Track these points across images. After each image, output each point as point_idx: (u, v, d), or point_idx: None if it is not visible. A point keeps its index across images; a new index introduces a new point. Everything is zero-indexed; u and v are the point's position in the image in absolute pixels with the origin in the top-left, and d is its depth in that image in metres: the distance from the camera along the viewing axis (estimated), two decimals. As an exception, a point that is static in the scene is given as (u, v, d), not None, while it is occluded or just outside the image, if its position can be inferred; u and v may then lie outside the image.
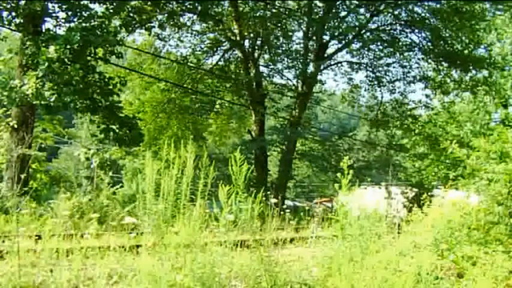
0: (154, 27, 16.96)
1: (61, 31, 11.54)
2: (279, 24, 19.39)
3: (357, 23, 18.71)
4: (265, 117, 20.36)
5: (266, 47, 20.20)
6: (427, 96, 21.31)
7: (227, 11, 18.97)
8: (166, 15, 17.17)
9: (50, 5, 11.71)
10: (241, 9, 18.63)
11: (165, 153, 3.47)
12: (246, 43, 19.48)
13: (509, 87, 21.09)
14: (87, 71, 11.88)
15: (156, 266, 3.23)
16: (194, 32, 20.00)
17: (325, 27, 18.44)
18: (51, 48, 10.45)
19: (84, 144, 20.82)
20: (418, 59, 20.26)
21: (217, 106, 22.16)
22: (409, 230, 5.59)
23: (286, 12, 19.41)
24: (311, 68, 18.51)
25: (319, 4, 19.19)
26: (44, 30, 11.58)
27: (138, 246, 4.52)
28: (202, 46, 20.87)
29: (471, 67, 18.70)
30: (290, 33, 20.06)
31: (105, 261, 4.24)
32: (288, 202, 20.83)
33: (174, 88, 20.18)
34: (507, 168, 5.23)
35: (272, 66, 21.23)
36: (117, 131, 12.82)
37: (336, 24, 18.49)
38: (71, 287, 3.63)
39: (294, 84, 20.53)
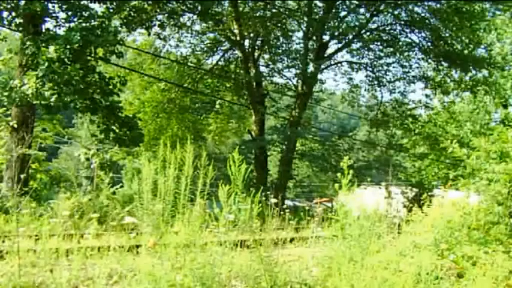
0: (154, 25, 16.99)
1: (61, 31, 11.57)
2: (279, 24, 19.39)
3: (357, 23, 18.73)
4: (265, 117, 20.37)
5: (266, 47, 20.20)
6: (427, 96, 21.37)
7: (227, 11, 18.97)
8: (166, 15, 17.17)
9: (50, 5, 11.72)
10: (241, 9, 18.63)
11: (161, 153, 3.46)
12: (246, 43, 19.50)
13: (509, 87, 21.09)
14: (87, 71, 11.87)
15: (156, 266, 3.23)
16: (194, 32, 20.01)
17: (325, 27, 18.44)
18: (51, 48, 10.45)
19: (84, 144, 20.83)
20: (418, 59, 20.30)
21: (217, 106, 22.17)
22: (409, 230, 5.59)
23: (286, 12, 19.42)
24: (311, 68, 18.52)
25: (319, 4, 19.21)
26: (44, 30, 11.58)
27: (138, 246, 4.52)
28: (202, 46, 20.90)
29: (471, 67, 18.70)
30: (290, 33, 20.09)
31: (105, 261, 4.24)
32: (288, 202, 20.82)
33: (174, 88, 20.20)
34: (507, 168, 5.22)
35: (272, 66, 21.27)
36: (117, 131, 12.82)
37: (336, 24, 18.50)
38: (70, 287, 3.63)
39: (294, 84, 20.55)
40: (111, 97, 12.51)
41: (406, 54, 19.91)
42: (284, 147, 19.96)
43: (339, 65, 21.18)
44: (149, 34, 17.91)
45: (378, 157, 25.08)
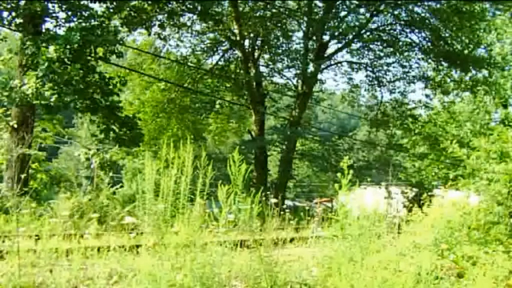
0: (154, 25, 17.00)
1: (61, 31, 11.57)
2: (279, 24, 19.39)
3: (357, 23, 18.72)
4: (265, 117, 20.37)
5: (266, 47, 20.20)
6: (427, 96, 21.35)
7: (227, 11, 18.97)
8: (166, 15, 17.17)
9: (50, 5, 11.72)
10: (241, 9, 18.63)
11: (164, 153, 3.46)
12: (246, 43, 19.50)
13: (509, 87, 21.08)
14: (87, 71, 11.87)
15: (156, 266, 3.23)
16: (194, 32, 20.01)
17: (325, 27, 18.44)
18: (51, 48, 10.45)
19: (84, 144, 20.83)
20: (418, 59, 20.29)
21: (217, 106, 22.18)
22: (409, 230, 5.59)
23: (286, 12, 19.42)
24: (311, 68, 18.52)
25: (319, 4, 19.21)
26: (44, 30, 11.58)
27: (138, 246, 4.52)
28: (202, 46, 20.89)
29: (471, 67, 18.70)
30: (290, 33, 20.09)
31: (105, 261, 4.24)
32: (288, 202, 20.84)
33: (174, 88, 20.20)
34: (507, 168, 5.22)
35: (272, 66, 21.27)
36: (117, 131, 12.83)
37: (336, 24, 18.50)
38: (70, 287, 3.63)
39: (294, 84, 20.56)
40: (111, 97, 12.52)
41: (406, 54, 19.91)
42: (284, 147, 19.96)
43: (339, 65, 21.20)
44: (149, 34, 17.91)
45: (378, 157, 25.11)
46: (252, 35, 19.35)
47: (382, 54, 20.23)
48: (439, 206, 5.76)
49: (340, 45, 19.76)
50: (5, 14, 11.32)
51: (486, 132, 15.66)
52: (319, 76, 20.64)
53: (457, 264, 4.54)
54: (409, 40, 19.65)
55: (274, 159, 26.75)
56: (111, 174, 12.66)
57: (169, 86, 20.12)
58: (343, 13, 19.14)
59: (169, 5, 16.91)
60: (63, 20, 11.77)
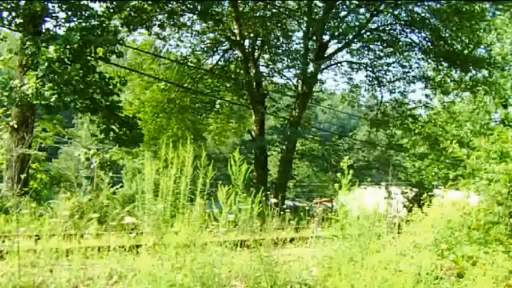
0: (154, 25, 17.01)
1: (61, 31, 11.57)
2: (279, 24, 19.39)
3: (357, 23, 18.71)
4: (265, 117, 20.37)
5: (266, 47, 20.20)
6: (427, 96, 21.35)
7: (227, 11, 18.97)
8: (166, 15, 17.18)
9: (50, 5, 11.72)
10: (241, 9, 18.63)
11: (164, 153, 3.47)
12: (246, 43, 19.49)
13: (509, 87, 21.10)
14: (87, 71, 11.88)
15: (156, 266, 3.23)
16: (194, 32, 20.01)
17: (325, 27, 18.44)
18: (51, 48, 10.45)
19: (84, 144, 20.82)
20: (418, 59, 20.29)
21: (217, 106, 22.18)
22: (409, 230, 5.60)
23: (286, 12, 19.42)
24: (311, 68, 18.52)
25: (319, 4, 19.20)
26: (44, 30, 11.59)
27: (138, 246, 4.52)
28: (202, 46, 20.89)
29: (471, 67, 18.70)
30: (290, 33, 20.09)
31: (105, 261, 4.24)
32: (288, 202, 20.84)
33: (174, 88, 20.20)
34: (507, 168, 5.22)
35: (272, 66, 21.27)
36: (117, 130, 12.84)
37: (336, 24, 18.49)
38: (70, 287, 3.63)
39: (294, 84, 20.56)
40: (111, 97, 12.52)
41: (406, 54, 19.90)
42: (284, 147, 19.96)
43: (339, 65, 21.19)
44: (149, 34, 17.92)
45: (378, 157, 25.11)
46: (252, 35, 19.35)
47: (382, 54, 20.23)
48: (439, 206, 5.76)
49: (340, 45, 19.76)
50: (5, 14, 11.32)
51: (486, 132, 15.68)
52: (319, 76, 20.66)
53: (457, 264, 4.54)
54: (409, 40, 19.67)
55: (274, 159, 26.76)
56: (111, 174, 12.68)
57: (169, 86, 20.12)
58: (343, 13, 19.14)
59: (169, 5, 16.91)
60: (63, 20, 11.78)
